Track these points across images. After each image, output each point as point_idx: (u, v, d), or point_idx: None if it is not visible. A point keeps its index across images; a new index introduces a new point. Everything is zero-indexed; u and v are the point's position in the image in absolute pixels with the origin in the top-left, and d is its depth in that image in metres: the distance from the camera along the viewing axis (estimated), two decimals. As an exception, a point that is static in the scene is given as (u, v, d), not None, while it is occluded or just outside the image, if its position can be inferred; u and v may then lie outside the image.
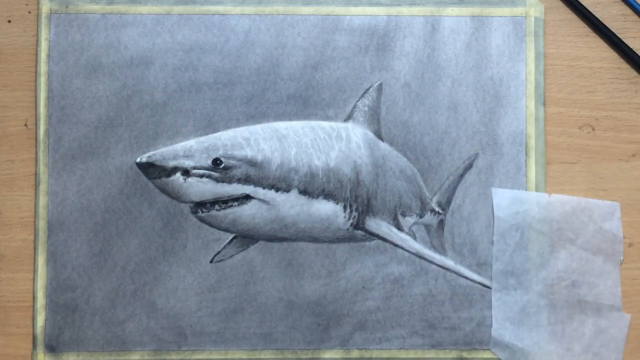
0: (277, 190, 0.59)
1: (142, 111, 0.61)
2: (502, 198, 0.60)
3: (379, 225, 0.61)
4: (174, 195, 0.59)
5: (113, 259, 0.60)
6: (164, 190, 0.59)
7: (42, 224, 0.60)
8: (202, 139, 0.60)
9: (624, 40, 0.62)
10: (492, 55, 0.62)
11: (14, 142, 0.61)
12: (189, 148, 0.59)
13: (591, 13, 0.62)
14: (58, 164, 0.61)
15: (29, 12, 0.62)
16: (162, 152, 0.59)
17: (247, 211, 0.59)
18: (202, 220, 0.60)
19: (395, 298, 0.60)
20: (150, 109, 0.61)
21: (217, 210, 0.59)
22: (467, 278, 0.60)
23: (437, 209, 0.62)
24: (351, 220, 0.60)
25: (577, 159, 0.61)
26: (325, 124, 0.61)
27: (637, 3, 0.62)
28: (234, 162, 0.58)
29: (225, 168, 0.58)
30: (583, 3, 0.62)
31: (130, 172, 0.60)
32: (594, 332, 0.58)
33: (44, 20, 0.61)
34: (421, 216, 0.62)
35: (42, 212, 0.60)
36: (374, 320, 0.60)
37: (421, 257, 0.60)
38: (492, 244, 0.60)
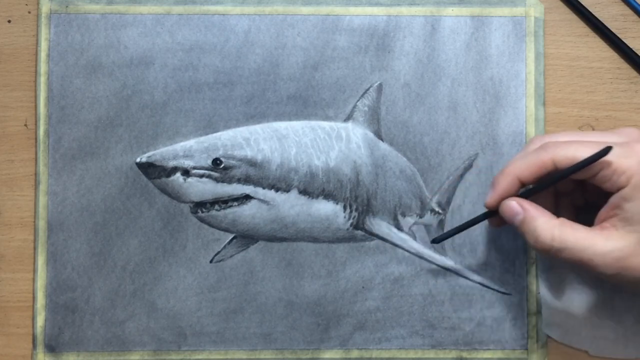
0: (277, 190, 0.59)
1: (142, 111, 0.61)
2: None
3: (379, 225, 0.61)
4: (174, 195, 0.59)
5: (113, 259, 0.60)
6: (164, 190, 0.60)
7: (42, 224, 0.60)
8: (202, 139, 0.60)
9: (624, 40, 0.62)
10: (492, 55, 0.62)
11: (13, 142, 0.61)
12: (188, 148, 0.59)
13: (591, 13, 0.62)
14: (58, 164, 0.61)
15: (29, 12, 0.62)
16: (162, 152, 0.59)
17: (247, 211, 0.59)
18: (202, 220, 0.60)
19: (395, 298, 0.60)
20: (150, 109, 0.61)
21: (217, 210, 0.59)
22: (467, 278, 0.60)
23: (437, 209, 0.62)
24: (351, 220, 0.60)
25: (577, 159, 0.61)
26: (325, 124, 0.61)
27: (637, 3, 0.62)
28: (233, 162, 0.58)
29: (225, 168, 0.58)
30: (583, 3, 0.62)
31: (130, 172, 0.61)
32: None
33: (44, 20, 0.61)
34: (421, 216, 0.62)
35: (42, 212, 0.60)
36: (373, 320, 0.60)
37: (421, 257, 0.60)
38: None
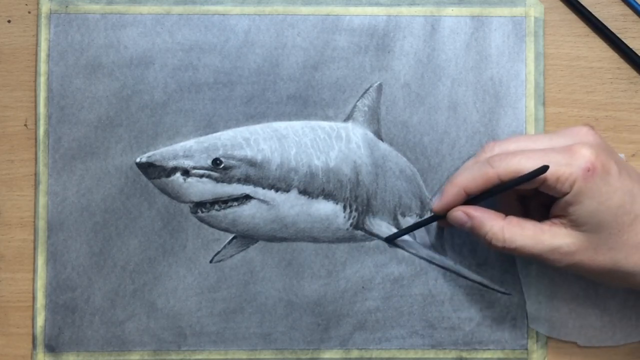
0: (276, 190, 0.59)
1: (142, 111, 0.61)
2: None
3: (379, 225, 0.61)
4: (174, 195, 0.59)
5: (113, 259, 0.60)
6: (163, 190, 0.59)
7: (41, 224, 0.60)
8: (201, 139, 0.60)
9: (624, 40, 0.62)
10: (492, 55, 0.62)
11: (13, 142, 0.61)
12: (188, 148, 0.59)
13: (591, 13, 0.62)
14: (58, 164, 0.61)
15: (29, 12, 0.62)
16: (162, 152, 0.59)
17: (246, 211, 0.59)
18: (202, 220, 0.60)
19: (395, 298, 0.60)
20: (150, 109, 0.61)
21: (216, 210, 0.59)
22: (467, 278, 0.60)
23: (437, 209, 0.62)
24: (351, 220, 0.60)
25: (577, 159, 0.61)
26: (325, 124, 0.61)
27: (637, 3, 0.62)
28: (233, 162, 0.58)
29: (225, 168, 0.58)
30: (583, 3, 0.62)
31: (130, 172, 0.61)
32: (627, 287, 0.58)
33: (43, 20, 0.61)
34: (421, 216, 0.62)
35: (41, 212, 0.60)
36: (373, 320, 0.60)
37: (421, 257, 0.60)
38: None
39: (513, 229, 0.54)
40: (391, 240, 0.60)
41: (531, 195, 0.57)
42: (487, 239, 0.54)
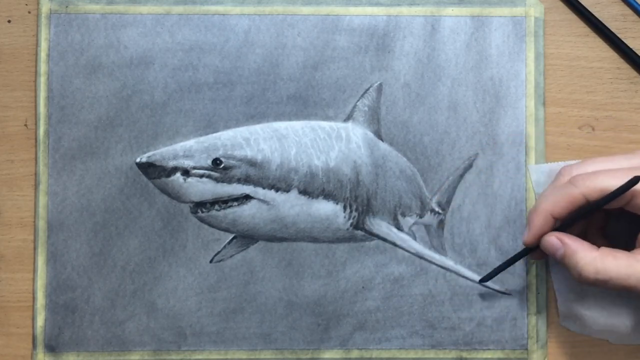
0: (277, 190, 0.59)
1: (142, 111, 0.61)
2: (540, 174, 0.60)
3: (379, 225, 0.61)
4: (174, 195, 0.59)
5: (113, 259, 0.60)
6: (163, 190, 0.59)
7: (42, 224, 0.60)
8: (202, 139, 0.60)
9: (624, 40, 0.62)
10: (492, 55, 0.62)
11: (13, 142, 0.61)
12: (188, 148, 0.59)
13: (591, 13, 0.62)
14: (58, 164, 0.61)
15: (29, 12, 0.62)
16: (162, 152, 0.59)
17: (247, 211, 0.59)
18: (202, 220, 0.60)
19: (395, 298, 0.60)
20: (150, 109, 0.61)
21: (217, 210, 0.59)
22: (467, 278, 0.60)
23: (437, 209, 0.62)
24: (351, 220, 0.60)
25: (577, 159, 0.61)
26: (325, 124, 0.61)
27: (637, 3, 0.62)
28: (233, 162, 0.58)
29: (225, 168, 0.58)
30: (583, 3, 0.62)
31: (130, 172, 0.61)
32: None
33: (43, 20, 0.61)
34: (421, 216, 0.62)
35: (42, 212, 0.60)
36: (373, 320, 0.60)
37: (421, 257, 0.60)
38: None
39: (606, 259, 0.52)
40: (487, 281, 0.59)
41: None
42: (578, 270, 0.52)
